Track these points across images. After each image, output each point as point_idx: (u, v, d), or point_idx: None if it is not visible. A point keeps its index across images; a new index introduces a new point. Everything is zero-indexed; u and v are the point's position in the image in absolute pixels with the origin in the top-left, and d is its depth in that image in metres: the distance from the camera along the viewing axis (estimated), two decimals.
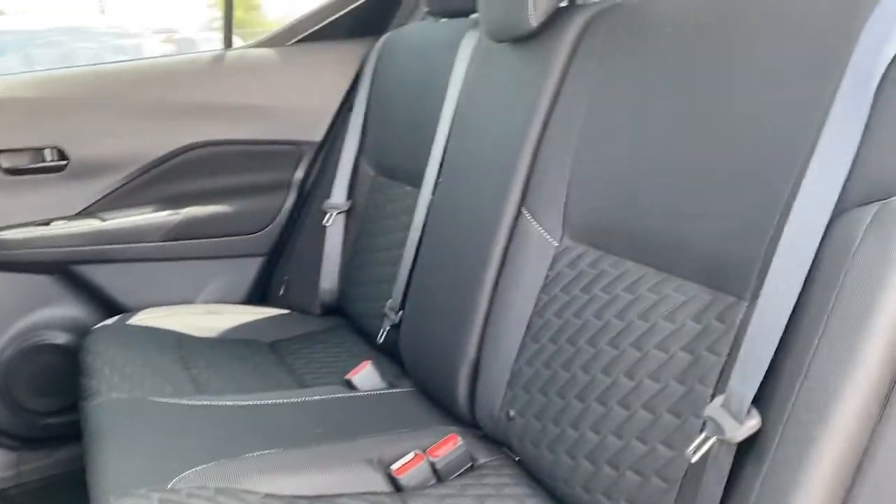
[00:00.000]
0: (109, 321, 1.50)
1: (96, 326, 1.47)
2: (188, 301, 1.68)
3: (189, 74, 1.68)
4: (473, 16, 1.38)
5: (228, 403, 1.18)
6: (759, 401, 0.66)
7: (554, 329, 0.98)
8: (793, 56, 0.74)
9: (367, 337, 1.47)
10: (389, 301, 1.37)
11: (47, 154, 1.56)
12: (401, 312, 1.33)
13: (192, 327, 1.52)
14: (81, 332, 1.53)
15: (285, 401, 1.22)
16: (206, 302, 1.69)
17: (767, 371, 0.66)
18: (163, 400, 1.15)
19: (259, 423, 1.13)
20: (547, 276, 1.02)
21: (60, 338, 1.60)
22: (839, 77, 0.68)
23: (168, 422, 1.09)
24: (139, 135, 1.62)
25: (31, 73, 1.59)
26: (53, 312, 1.61)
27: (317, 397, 1.24)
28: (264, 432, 1.10)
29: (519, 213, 1.08)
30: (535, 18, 1.05)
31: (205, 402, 1.17)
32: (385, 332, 1.38)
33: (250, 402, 1.19)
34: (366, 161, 1.63)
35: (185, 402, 1.16)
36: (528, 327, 1.03)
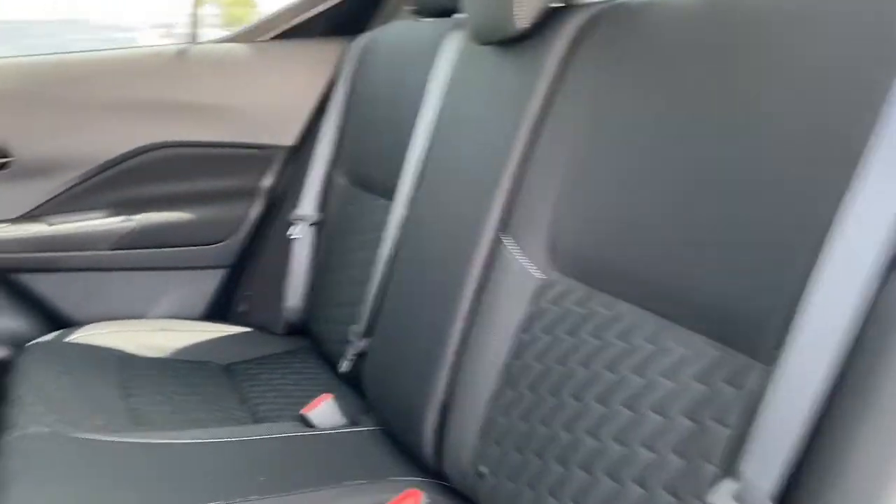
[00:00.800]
0: (47, 337, 1.36)
1: (30, 343, 1.33)
2: (140, 316, 1.54)
3: (152, 69, 1.54)
4: (459, 15, 1.25)
5: (166, 442, 1.04)
6: (783, 497, 0.53)
7: (533, 375, 0.85)
8: (830, 75, 0.62)
9: (332, 363, 1.34)
10: (355, 326, 1.24)
11: None
12: (367, 340, 1.20)
13: (139, 346, 1.38)
14: (21, 346, 1.39)
15: (233, 439, 1.08)
16: (160, 317, 1.56)
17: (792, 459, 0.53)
18: (90, 436, 1.01)
19: (198, 466, 1.00)
20: (528, 313, 0.89)
21: (1, 352, 1.46)
22: (883, 97, 0.56)
23: (91, 464, 0.95)
24: (93, 133, 1.49)
25: None
26: None
27: (268, 436, 1.10)
28: (202, 479, 0.96)
29: (498, 238, 0.95)
30: (523, 18, 0.93)
31: (140, 440, 1.03)
32: (349, 360, 1.24)
33: (192, 441, 1.06)
34: (339, 169, 1.50)
35: (116, 438, 1.02)
36: (505, 370, 0.90)
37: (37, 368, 1.21)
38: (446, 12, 1.29)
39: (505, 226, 0.94)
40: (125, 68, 1.52)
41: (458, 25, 1.22)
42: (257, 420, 1.20)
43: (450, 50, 1.20)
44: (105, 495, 0.89)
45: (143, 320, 1.51)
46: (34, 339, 1.38)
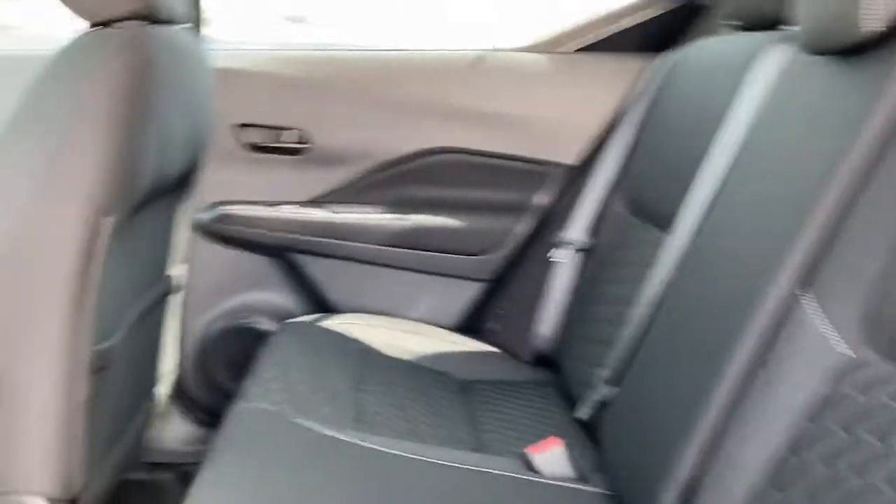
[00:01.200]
0: (305, 318, 1.40)
1: (289, 321, 1.38)
2: (396, 313, 1.53)
3: (445, 73, 1.53)
4: (785, 28, 1.05)
5: (380, 448, 0.98)
6: None
7: (815, 480, 0.64)
8: None
9: (572, 404, 1.20)
10: (602, 369, 1.09)
11: (290, 135, 1.51)
12: (612, 388, 1.05)
13: (386, 343, 1.36)
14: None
15: (450, 463, 0.99)
16: (414, 318, 1.54)
17: None
18: (308, 424, 0.99)
19: (407, 482, 0.92)
20: (821, 396, 0.68)
21: (266, 324, 1.54)
22: None
23: (299, 453, 0.92)
24: (383, 130, 1.51)
25: (284, 52, 1.55)
26: (265, 297, 1.56)
27: (487, 469, 0.99)
28: (407, 498, 0.89)
29: (795, 294, 0.74)
30: (876, 20, 0.72)
31: (354, 440, 0.99)
32: (589, 407, 1.10)
33: (407, 454, 0.99)
34: (618, 195, 1.36)
35: (332, 433, 0.99)
36: (776, 464, 0.69)
37: (285, 346, 1.23)
38: (773, 24, 1.10)
39: (807, 280, 0.73)
40: (421, 70, 1.53)
41: (785, 38, 1.02)
42: (480, 447, 1.10)
43: (768, 66, 1.01)
44: (299, 486, 0.85)
45: (396, 319, 1.50)
46: (297, 317, 1.43)
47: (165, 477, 1.50)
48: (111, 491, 1.18)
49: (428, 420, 1.14)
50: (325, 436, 0.97)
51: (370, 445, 0.98)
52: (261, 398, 1.04)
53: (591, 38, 1.53)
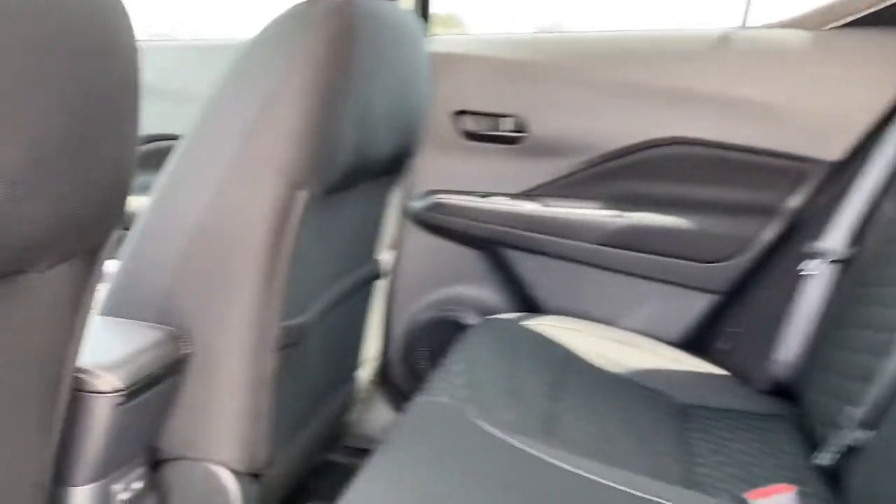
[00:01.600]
0: (507, 315, 1.31)
1: (490, 317, 1.30)
2: (607, 320, 1.39)
3: (684, 55, 1.36)
4: None
5: (562, 465, 0.86)
6: None
7: None
8: None
9: (812, 446, 0.99)
10: (853, 408, 0.87)
11: (506, 123, 1.43)
12: (865, 432, 0.83)
13: (593, 352, 1.23)
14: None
15: (646, 496, 0.84)
16: (629, 328, 1.39)
17: None
18: (488, 428, 0.90)
19: None
20: None
21: (472, 319, 1.48)
22: None
23: (471, 458, 0.83)
24: (607, 118, 1.38)
25: (504, 35, 1.47)
26: (472, 291, 1.50)
27: None
28: None
29: None
30: None
31: (537, 453, 0.88)
32: (831, 452, 0.88)
33: (595, 478, 0.85)
34: (892, 198, 1.11)
35: (512, 440, 0.89)
36: None
37: (481, 342, 1.15)
38: None
39: None
40: (656, 52, 1.37)
41: None
42: (690, 483, 0.93)
43: None
44: (462, 492, 0.75)
45: (607, 326, 1.36)
46: (501, 313, 1.35)
47: (363, 462, 1.50)
48: (303, 469, 1.18)
49: (630, 443, 1.00)
50: (504, 442, 0.87)
51: (553, 461, 0.86)
52: (443, 393, 0.96)
53: (862, 11, 1.28)
